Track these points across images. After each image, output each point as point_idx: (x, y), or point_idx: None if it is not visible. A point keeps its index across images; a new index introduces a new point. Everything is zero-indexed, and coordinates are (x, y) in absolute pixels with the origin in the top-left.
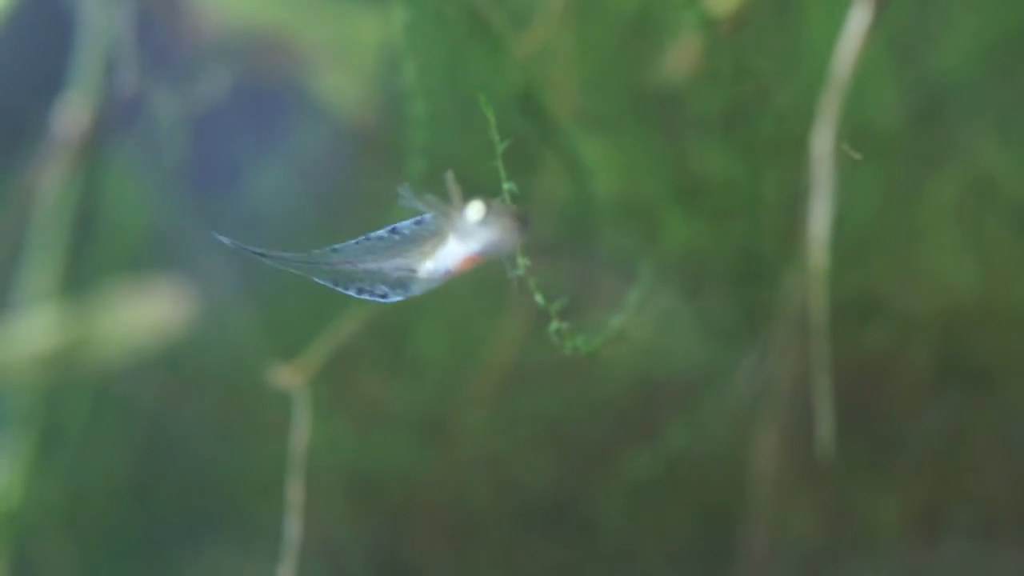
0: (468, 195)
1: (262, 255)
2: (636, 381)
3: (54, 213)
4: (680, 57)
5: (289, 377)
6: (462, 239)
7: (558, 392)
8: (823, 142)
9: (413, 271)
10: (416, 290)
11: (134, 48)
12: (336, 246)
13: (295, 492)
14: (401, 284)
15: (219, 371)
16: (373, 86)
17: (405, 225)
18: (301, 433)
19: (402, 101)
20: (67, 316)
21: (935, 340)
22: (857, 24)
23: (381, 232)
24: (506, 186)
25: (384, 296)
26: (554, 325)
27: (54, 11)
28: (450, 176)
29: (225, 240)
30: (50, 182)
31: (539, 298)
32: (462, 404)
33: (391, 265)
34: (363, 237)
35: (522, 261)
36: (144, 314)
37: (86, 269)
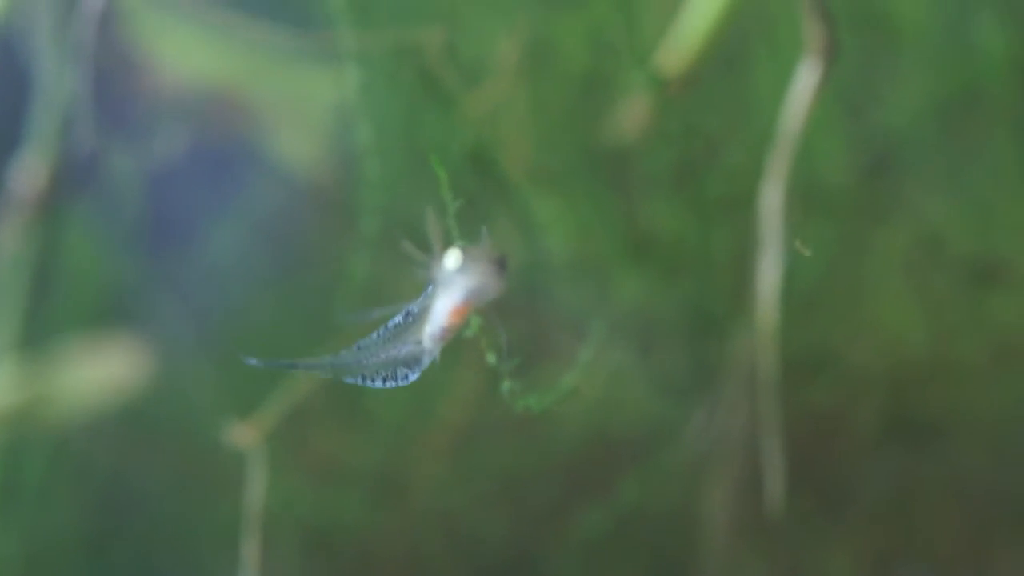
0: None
1: (292, 366)
2: (589, 436)
3: (11, 270)
4: (631, 116)
5: (245, 434)
6: (444, 291)
7: (512, 447)
8: (772, 199)
9: (419, 341)
10: (427, 360)
11: (91, 106)
12: (360, 343)
13: (251, 548)
14: (414, 359)
15: (176, 428)
16: (328, 145)
17: (416, 304)
18: (256, 489)
19: (357, 160)
20: (24, 373)
21: (884, 394)
22: (805, 82)
23: (397, 319)
24: (459, 244)
25: (406, 377)
26: (506, 384)
27: (10, 69)
28: (431, 216)
29: (254, 361)
30: (7, 240)
31: (491, 357)
32: (417, 459)
33: (404, 344)
34: (382, 328)
35: (474, 320)
36: (101, 371)
37: (43, 326)
